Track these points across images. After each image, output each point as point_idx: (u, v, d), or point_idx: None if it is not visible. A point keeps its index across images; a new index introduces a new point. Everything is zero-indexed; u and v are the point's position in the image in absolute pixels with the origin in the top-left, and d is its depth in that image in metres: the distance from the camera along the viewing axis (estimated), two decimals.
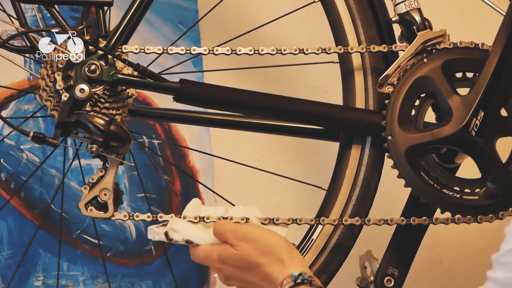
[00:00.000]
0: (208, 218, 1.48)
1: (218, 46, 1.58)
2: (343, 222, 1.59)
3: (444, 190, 1.57)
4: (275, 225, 1.49)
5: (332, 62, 1.66)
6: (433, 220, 1.58)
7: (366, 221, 1.58)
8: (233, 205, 1.57)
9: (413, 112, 1.59)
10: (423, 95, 1.59)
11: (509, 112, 1.58)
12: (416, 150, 1.56)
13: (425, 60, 1.57)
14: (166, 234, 1.44)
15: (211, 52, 1.57)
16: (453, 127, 1.55)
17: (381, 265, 1.65)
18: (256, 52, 1.58)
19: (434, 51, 1.58)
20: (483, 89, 1.55)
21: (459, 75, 1.60)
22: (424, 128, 1.58)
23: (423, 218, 1.58)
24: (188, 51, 1.55)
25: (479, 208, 1.57)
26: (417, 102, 1.59)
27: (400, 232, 1.65)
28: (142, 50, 1.54)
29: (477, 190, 1.57)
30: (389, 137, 1.56)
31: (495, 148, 1.57)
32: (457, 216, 1.57)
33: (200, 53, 1.57)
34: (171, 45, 1.58)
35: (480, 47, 1.59)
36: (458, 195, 1.57)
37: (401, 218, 1.59)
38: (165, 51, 1.56)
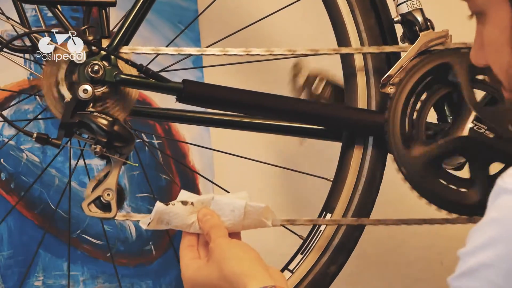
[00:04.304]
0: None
1: (209, 46, 1.58)
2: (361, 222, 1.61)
3: None
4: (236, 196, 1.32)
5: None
6: None
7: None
8: None
9: None
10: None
11: None
12: None
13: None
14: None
15: (202, 53, 1.57)
16: None
17: None
18: (247, 53, 1.57)
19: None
20: None
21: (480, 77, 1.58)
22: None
23: None
24: (179, 52, 1.55)
25: None
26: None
27: None
28: (133, 51, 1.54)
29: None
30: None
31: None
32: None
33: (190, 54, 1.57)
34: (167, 45, 1.58)
35: None
36: None
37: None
38: (155, 52, 1.56)
